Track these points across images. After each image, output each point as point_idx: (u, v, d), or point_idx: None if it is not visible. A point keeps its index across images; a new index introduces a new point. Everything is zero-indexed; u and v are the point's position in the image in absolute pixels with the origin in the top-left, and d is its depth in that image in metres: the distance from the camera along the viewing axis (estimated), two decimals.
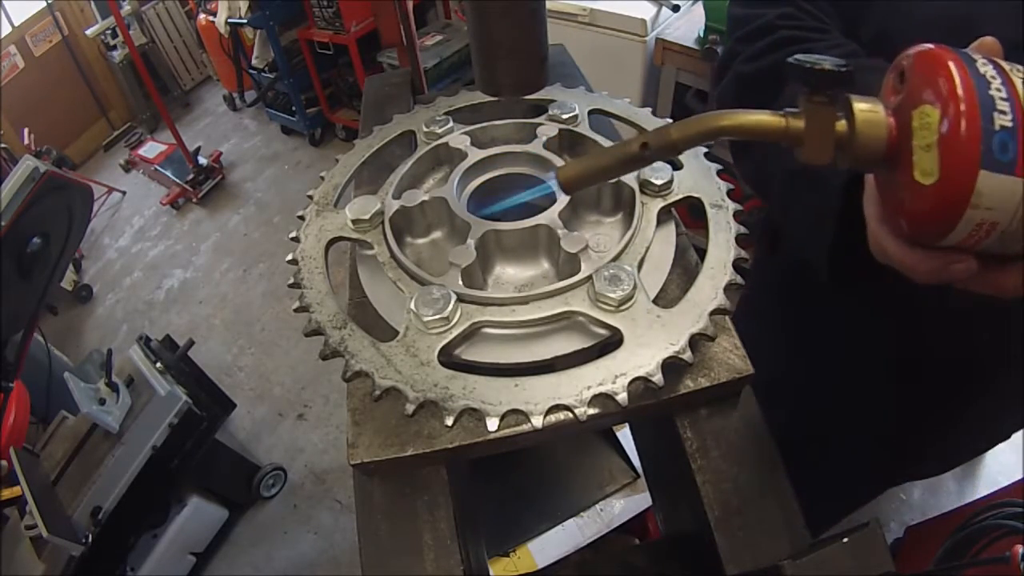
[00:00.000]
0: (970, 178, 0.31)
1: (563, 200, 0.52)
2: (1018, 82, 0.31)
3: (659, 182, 0.53)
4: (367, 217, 0.54)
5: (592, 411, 0.42)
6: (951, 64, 0.31)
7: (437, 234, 0.57)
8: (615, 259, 0.48)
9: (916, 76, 0.33)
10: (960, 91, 0.31)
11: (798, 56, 0.34)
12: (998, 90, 0.31)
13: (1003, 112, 0.30)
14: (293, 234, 0.56)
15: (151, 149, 4.06)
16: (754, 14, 0.68)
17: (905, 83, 0.34)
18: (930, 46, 0.33)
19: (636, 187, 0.53)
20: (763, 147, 0.64)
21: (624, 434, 1.34)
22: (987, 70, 0.32)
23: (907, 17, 0.58)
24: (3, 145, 3.48)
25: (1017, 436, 0.96)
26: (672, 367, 0.43)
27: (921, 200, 0.33)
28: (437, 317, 0.45)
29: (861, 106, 0.34)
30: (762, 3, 0.69)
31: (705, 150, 0.59)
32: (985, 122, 0.30)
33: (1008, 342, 0.68)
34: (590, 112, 0.64)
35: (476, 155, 0.59)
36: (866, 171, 0.40)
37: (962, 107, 0.30)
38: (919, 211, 0.34)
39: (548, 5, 0.56)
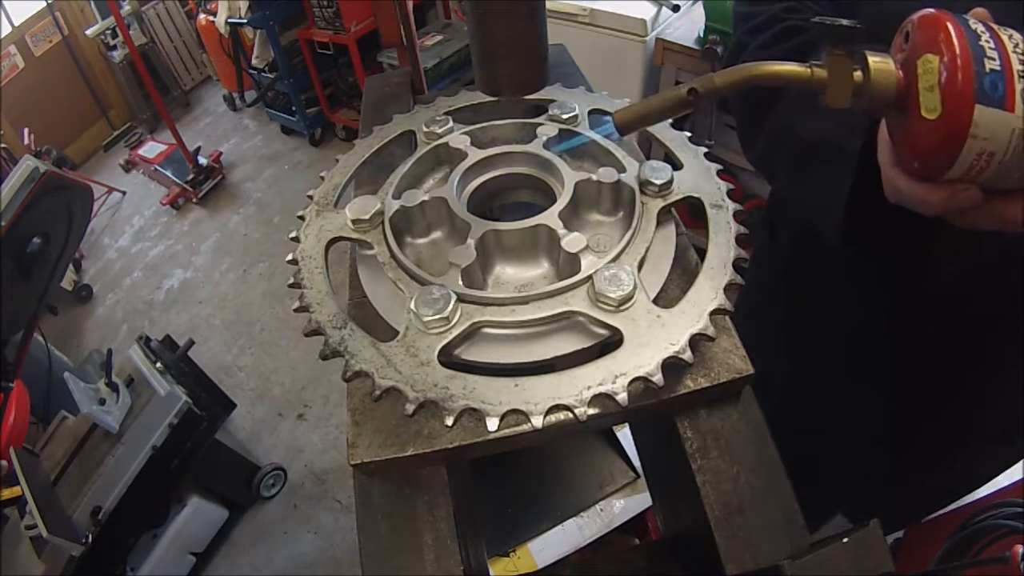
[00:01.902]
0: (967, 109, 0.37)
1: (563, 200, 0.52)
2: (1005, 38, 0.38)
3: (659, 182, 0.53)
4: (367, 217, 0.54)
5: (592, 411, 0.42)
6: (947, 21, 0.38)
7: (437, 234, 0.57)
8: (615, 259, 0.48)
9: (919, 33, 0.40)
10: (955, 40, 0.37)
11: (819, 17, 0.41)
12: (987, 42, 0.38)
13: (992, 58, 0.37)
14: (293, 234, 0.56)
15: (151, 149, 4.06)
16: (759, 10, 0.72)
17: (909, 40, 0.41)
18: (930, 10, 0.40)
19: (636, 187, 0.53)
20: (772, 131, 0.67)
21: (624, 434, 1.34)
22: (977, 27, 0.38)
23: (895, 16, 0.59)
24: (3, 145, 3.48)
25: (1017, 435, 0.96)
26: (672, 367, 0.43)
27: (928, 133, 0.39)
28: (437, 317, 0.45)
29: (874, 58, 0.41)
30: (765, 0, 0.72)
31: (705, 150, 0.59)
32: (977, 65, 0.37)
33: (1006, 329, 0.69)
34: (590, 112, 0.64)
35: (476, 155, 0.59)
36: (878, 115, 0.46)
37: (957, 51, 0.37)
38: (927, 143, 0.40)
39: (548, 5, 0.56)
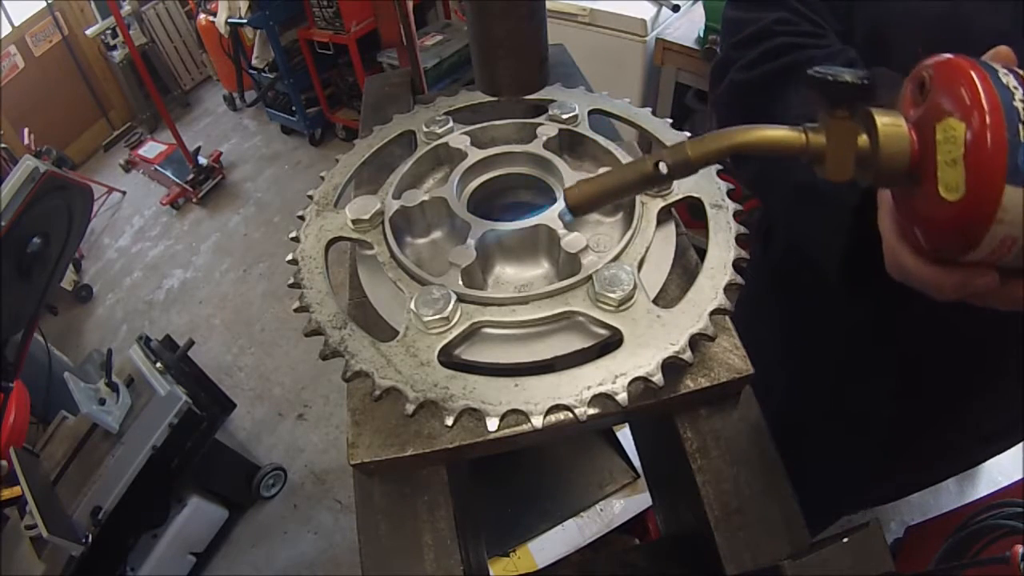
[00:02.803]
0: (996, 193, 0.30)
1: (563, 200, 0.52)
2: None
3: None
4: (367, 217, 0.54)
5: (592, 411, 0.42)
6: (974, 74, 0.31)
7: (437, 234, 0.57)
8: (615, 259, 0.48)
9: (938, 87, 0.33)
10: (985, 103, 0.30)
11: (818, 68, 0.33)
12: (1021, 100, 0.30)
13: None
14: (293, 234, 0.56)
15: (151, 149, 4.06)
16: (749, 18, 0.68)
17: (926, 95, 0.33)
18: (950, 56, 0.33)
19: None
20: (761, 166, 0.64)
21: (624, 434, 1.34)
22: (1009, 80, 0.31)
23: (899, 14, 0.58)
24: (3, 145, 3.48)
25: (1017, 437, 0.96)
26: (672, 367, 0.43)
27: (946, 216, 0.32)
28: (437, 317, 0.45)
29: (883, 120, 0.33)
30: (757, 6, 0.68)
31: None
32: (1011, 135, 0.30)
33: (1010, 332, 0.68)
34: (590, 112, 0.64)
35: (476, 155, 0.59)
36: (886, 187, 0.40)
37: (987, 119, 0.30)
38: (944, 228, 0.33)
39: (548, 5, 0.56)
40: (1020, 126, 0.30)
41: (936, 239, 0.35)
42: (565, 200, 0.40)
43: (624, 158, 0.57)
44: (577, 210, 0.40)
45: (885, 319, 0.75)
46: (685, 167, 0.35)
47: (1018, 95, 0.30)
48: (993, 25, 0.50)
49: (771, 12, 0.66)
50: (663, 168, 0.35)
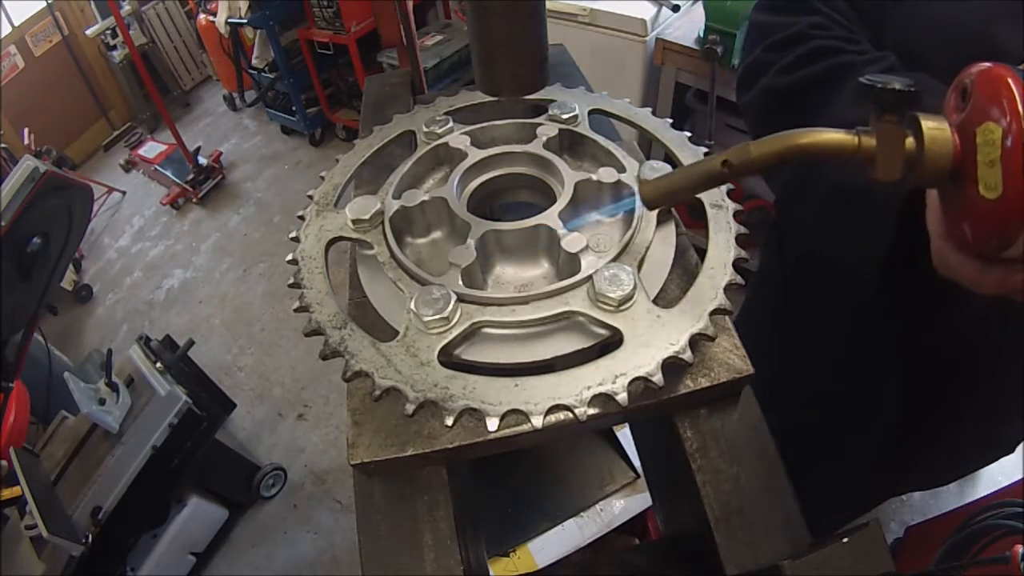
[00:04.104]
0: None
1: (563, 200, 0.52)
2: None
3: None
4: (367, 217, 0.54)
5: (592, 411, 0.42)
6: (1011, 82, 0.34)
7: (437, 234, 0.57)
8: (615, 259, 0.48)
9: (979, 94, 0.35)
10: (1021, 108, 0.33)
11: (868, 76, 0.36)
12: None
13: None
14: (293, 234, 0.56)
15: (151, 149, 4.06)
16: (782, 22, 0.66)
17: (968, 101, 0.36)
18: (990, 65, 0.35)
19: (636, 187, 0.53)
20: (796, 168, 0.63)
21: (624, 434, 1.34)
22: None
23: (926, 22, 0.58)
24: (3, 145, 3.48)
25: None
26: (672, 367, 0.43)
27: (986, 213, 0.35)
28: (437, 317, 0.45)
29: (929, 124, 0.36)
30: (789, 11, 0.67)
31: (705, 150, 0.59)
32: None
33: (1016, 341, 0.68)
34: (590, 112, 0.64)
35: (476, 155, 0.59)
36: (931, 187, 0.43)
37: (1022, 123, 0.32)
38: (984, 224, 0.36)
39: (548, 5, 0.56)
40: None
41: (977, 235, 0.38)
42: (640, 196, 0.43)
43: (624, 158, 0.57)
44: (651, 205, 0.44)
45: (897, 325, 0.74)
46: (748, 166, 0.38)
47: None
48: (1021, 32, 0.51)
49: (804, 17, 0.65)
50: (728, 167, 0.38)
